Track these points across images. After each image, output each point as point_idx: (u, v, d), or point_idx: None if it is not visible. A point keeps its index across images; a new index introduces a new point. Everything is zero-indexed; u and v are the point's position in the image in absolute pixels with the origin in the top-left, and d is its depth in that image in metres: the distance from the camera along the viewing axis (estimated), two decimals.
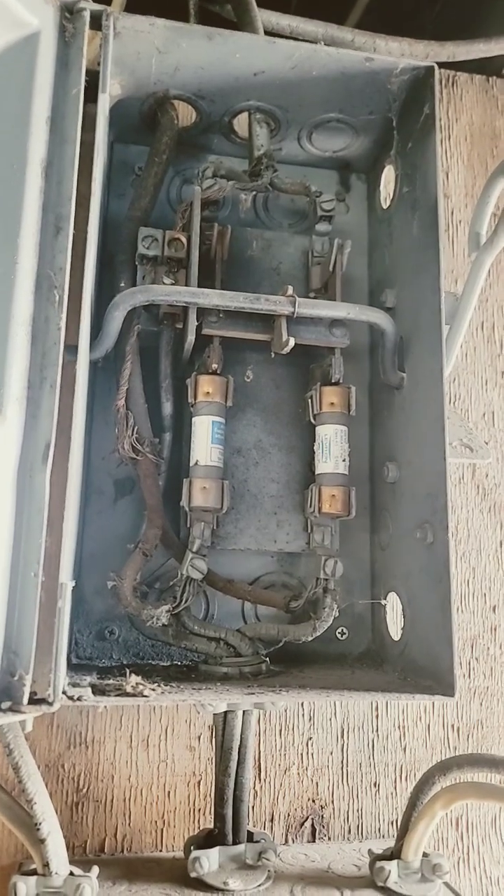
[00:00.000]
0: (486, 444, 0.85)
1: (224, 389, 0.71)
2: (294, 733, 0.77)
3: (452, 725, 0.81)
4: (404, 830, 0.65)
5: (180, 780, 0.73)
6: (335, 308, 0.69)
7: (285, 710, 0.77)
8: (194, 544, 0.69)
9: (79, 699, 0.53)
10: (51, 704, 0.52)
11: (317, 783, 0.76)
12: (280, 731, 0.77)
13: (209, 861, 0.63)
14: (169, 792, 0.73)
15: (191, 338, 0.67)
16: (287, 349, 0.67)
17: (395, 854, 0.65)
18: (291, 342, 0.67)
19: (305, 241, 0.82)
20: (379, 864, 0.64)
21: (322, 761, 0.77)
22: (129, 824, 0.72)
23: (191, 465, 0.69)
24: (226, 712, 0.68)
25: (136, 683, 0.55)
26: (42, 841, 0.59)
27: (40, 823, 0.60)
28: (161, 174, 0.77)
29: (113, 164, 0.85)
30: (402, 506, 0.73)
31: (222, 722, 0.68)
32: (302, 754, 0.77)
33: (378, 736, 0.79)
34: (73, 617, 0.71)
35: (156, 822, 0.72)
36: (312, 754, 0.77)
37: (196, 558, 0.68)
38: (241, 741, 0.68)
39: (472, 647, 0.84)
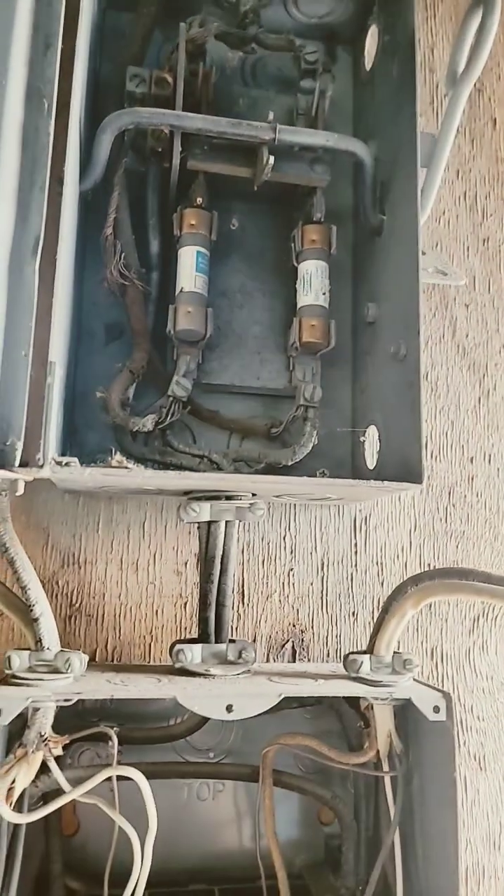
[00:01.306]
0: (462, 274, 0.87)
1: (209, 223, 0.74)
2: (276, 564, 0.81)
3: (429, 564, 0.85)
4: (377, 630, 0.69)
5: (168, 600, 0.78)
6: (315, 136, 0.72)
7: (268, 544, 0.81)
8: (180, 370, 0.73)
9: (66, 464, 0.57)
10: (40, 467, 0.56)
11: (297, 610, 0.81)
12: (263, 561, 0.81)
13: (192, 653, 0.67)
14: (157, 611, 0.77)
15: (175, 163, 0.70)
16: (267, 172, 0.70)
17: (367, 650, 0.69)
18: (271, 161, 0.69)
19: (291, 100, 0.84)
20: (352, 656, 0.68)
21: (303, 591, 0.81)
22: (119, 637, 0.76)
23: (176, 293, 0.73)
24: (209, 523, 0.72)
25: (119, 460, 0.59)
26: (35, 620, 0.63)
27: (33, 605, 0.64)
28: (149, 25, 0.80)
29: (105, 30, 0.88)
30: (380, 341, 0.76)
31: (206, 533, 0.72)
32: (283, 583, 0.81)
33: (357, 570, 0.83)
34: (66, 446, 0.76)
35: (144, 636, 0.76)
36: (294, 584, 0.81)
37: (182, 379, 0.71)
38: (223, 551, 0.72)
39: (450, 495, 0.87)
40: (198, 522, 0.71)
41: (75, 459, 0.57)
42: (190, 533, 0.79)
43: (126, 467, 0.58)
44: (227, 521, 0.71)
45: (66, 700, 0.61)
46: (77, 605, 0.76)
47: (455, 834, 0.62)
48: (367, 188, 0.75)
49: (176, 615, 0.77)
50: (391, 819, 0.65)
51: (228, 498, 0.68)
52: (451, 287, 0.92)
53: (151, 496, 0.78)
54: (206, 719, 0.70)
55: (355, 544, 0.83)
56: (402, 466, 0.66)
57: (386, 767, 0.66)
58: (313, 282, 0.75)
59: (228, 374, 0.78)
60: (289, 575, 0.81)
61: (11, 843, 0.61)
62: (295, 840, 0.74)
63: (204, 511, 0.70)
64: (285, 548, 0.82)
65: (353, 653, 0.69)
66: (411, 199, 0.69)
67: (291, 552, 0.82)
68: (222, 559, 0.72)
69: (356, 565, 0.83)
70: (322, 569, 0.82)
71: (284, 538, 0.82)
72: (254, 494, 0.71)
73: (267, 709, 0.60)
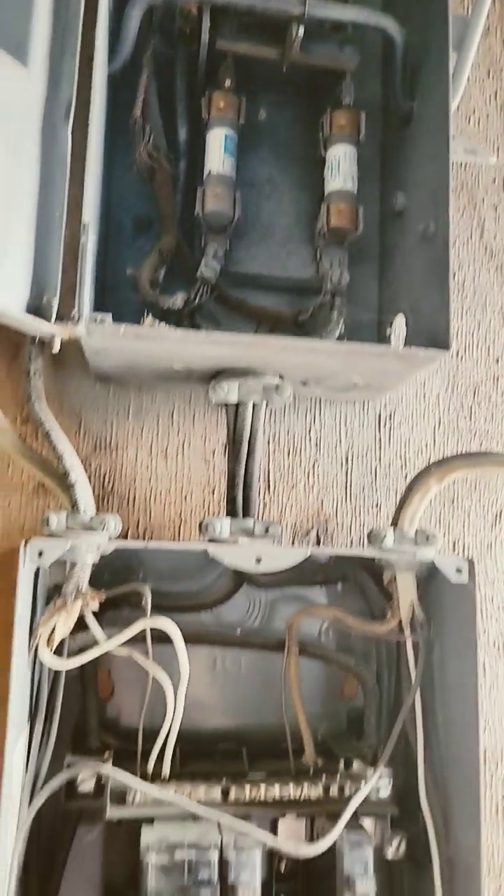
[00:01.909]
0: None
1: (237, 107, 0.74)
2: (301, 456, 0.83)
3: None
4: (401, 506, 0.71)
5: (196, 487, 0.80)
6: (345, 10, 0.71)
7: (293, 436, 0.83)
8: (209, 254, 0.73)
9: (101, 321, 0.58)
10: (76, 323, 0.58)
11: (322, 500, 0.82)
12: (288, 452, 0.83)
13: (221, 526, 0.69)
14: (186, 496, 0.80)
15: (204, 39, 0.70)
16: (296, 48, 0.70)
17: (391, 525, 0.71)
18: (301, 34, 0.69)
19: None
20: (376, 530, 0.69)
21: (327, 482, 0.83)
22: (150, 520, 0.79)
23: (204, 176, 0.73)
24: (237, 405, 0.73)
25: (151, 322, 0.60)
26: (71, 486, 0.66)
27: (69, 472, 0.67)
28: None
29: None
30: (408, 228, 0.76)
31: (234, 416, 0.74)
32: (308, 474, 0.83)
33: (381, 464, 0.84)
34: None
35: (174, 519, 0.79)
36: (318, 475, 0.83)
37: (211, 261, 0.73)
38: (251, 434, 0.73)
39: (475, 394, 0.87)
40: (226, 404, 0.73)
41: (109, 315, 0.59)
42: (217, 423, 0.81)
43: (157, 328, 0.60)
44: (254, 404, 0.73)
45: (102, 555, 0.64)
46: (110, 487, 0.78)
47: (475, 701, 0.64)
48: (398, 70, 0.74)
49: (204, 500, 0.80)
50: (412, 682, 0.67)
51: (256, 376, 0.69)
52: (480, 187, 0.91)
53: (179, 386, 0.80)
54: (233, 590, 0.72)
55: (379, 440, 0.85)
56: (428, 335, 0.66)
57: (408, 634, 0.68)
58: (342, 166, 0.74)
59: (255, 263, 0.78)
60: (313, 467, 0.83)
61: (52, 690, 0.64)
62: (318, 713, 0.76)
63: (232, 391, 0.71)
64: (310, 440, 0.83)
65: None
66: (443, 78, 0.68)
67: (316, 445, 0.83)
68: (249, 441, 0.74)
69: (380, 459, 0.84)
70: (346, 462, 0.83)
71: (309, 431, 0.83)
72: (281, 377, 0.72)
73: (295, 563, 0.62)
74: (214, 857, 0.58)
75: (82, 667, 0.72)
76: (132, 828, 0.64)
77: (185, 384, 0.78)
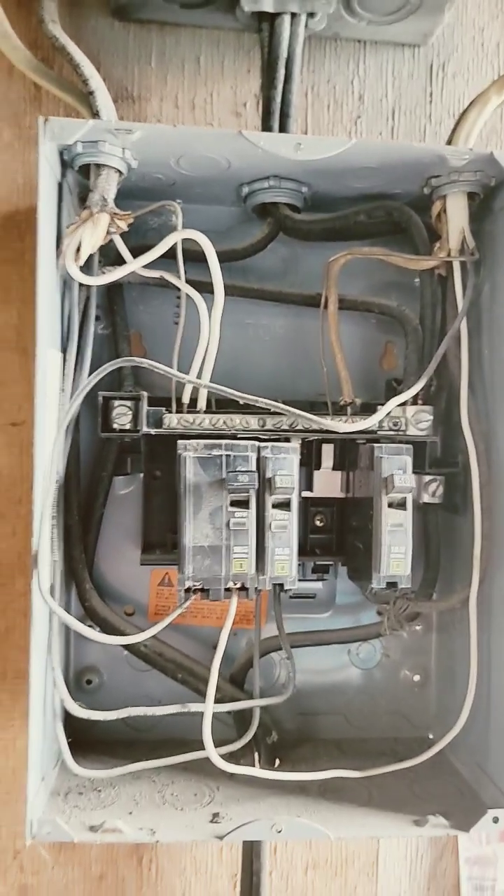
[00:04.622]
0: None
1: None
2: (343, 110, 0.74)
3: None
4: (456, 125, 0.64)
5: None
6: None
7: (334, 87, 0.74)
8: None
9: None
10: None
11: None
12: (328, 106, 0.74)
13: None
14: None
15: None
16: None
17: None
18: None
19: None
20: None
21: None
22: None
23: None
24: (272, 20, 0.65)
25: None
26: (90, 94, 0.61)
27: (88, 79, 0.61)
28: None
29: None
30: None
31: (268, 34, 0.66)
32: (350, 132, 0.74)
33: (430, 122, 0.76)
34: None
35: None
36: (360, 132, 0.75)
37: None
38: (288, 54, 0.66)
39: None
40: (260, 14, 0.65)
41: None
42: (249, 71, 0.73)
43: None
44: (292, 14, 0.65)
45: (128, 166, 0.59)
46: None
47: None
48: None
49: None
50: (458, 312, 0.63)
51: None
52: None
53: (206, 21, 0.71)
54: (270, 237, 0.68)
55: (430, 93, 0.76)
56: None
57: (457, 265, 0.63)
58: None
59: None
60: (356, 123, 0.75)
61: (83, 320, 0.63)
62: (356, 383, 0.74)
63: None
64: (353, 93, 0.75)
65: None
66: None
67: (360, 98, 0.75)
68: (287, 64, 0.66)
69: (430, 116, 0.76)
70: (392, 118, 0.75)
71: (352, 82, 0.75)
72: None
73: (339, 151, 0.56)
74: (252, 455, 0.58)
75: (113, 323, 0.71)
76: (170, 482, 0.64)
77: (212, 16, 0.69)
